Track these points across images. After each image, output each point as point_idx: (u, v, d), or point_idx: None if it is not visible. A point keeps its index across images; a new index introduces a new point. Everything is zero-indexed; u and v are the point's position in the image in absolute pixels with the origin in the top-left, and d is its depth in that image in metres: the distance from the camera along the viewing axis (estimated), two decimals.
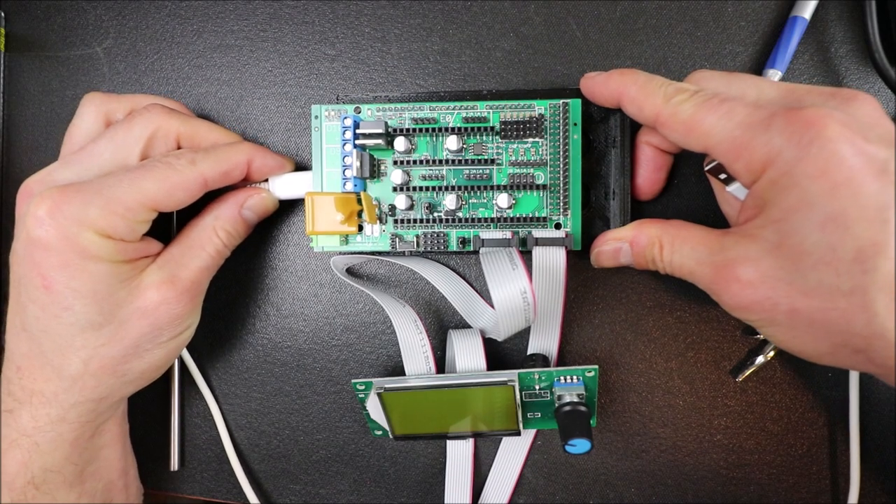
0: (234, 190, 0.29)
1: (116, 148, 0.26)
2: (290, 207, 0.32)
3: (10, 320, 0.26)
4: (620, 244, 0.26)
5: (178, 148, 0.28)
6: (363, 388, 0.29)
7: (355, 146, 0.28)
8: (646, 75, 0.25)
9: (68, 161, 0.27)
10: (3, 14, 0.34)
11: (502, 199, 0.28)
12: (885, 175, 0.19)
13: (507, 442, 0.32)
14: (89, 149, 0.27)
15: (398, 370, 0.32)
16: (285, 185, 0.30)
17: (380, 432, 0.31)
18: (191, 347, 0.33)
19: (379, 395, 0.28)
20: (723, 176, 0.26)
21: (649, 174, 0.28)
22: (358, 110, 0.29)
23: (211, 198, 0.29)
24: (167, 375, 0.34)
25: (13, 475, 0.26)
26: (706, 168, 0.26)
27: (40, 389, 0.26)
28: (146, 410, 0.34)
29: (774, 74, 0.29)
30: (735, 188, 0.26)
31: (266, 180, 0.30)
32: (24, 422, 0.26)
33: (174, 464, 0.34)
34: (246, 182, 0.30)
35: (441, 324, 0.32)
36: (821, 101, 0.22)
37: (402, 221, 0.29)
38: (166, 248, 0.28)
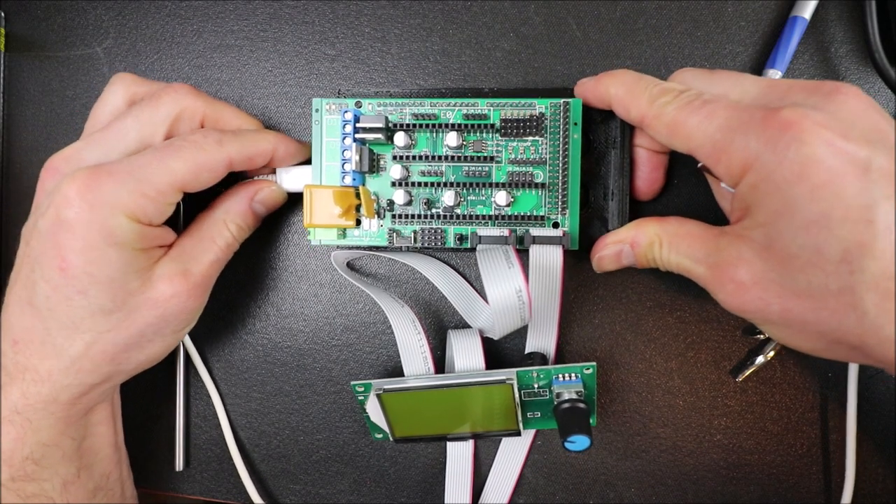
0: (242, 182, 0.29)
1: (142, 127, 0.26)
2: (290, 208, 0.32)
3: (15, 293, 0.26)
4: (621, 246, 0.26)
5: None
6: (362, 389, 0.29)
7: (355, 140, 0.28)
8: (634, 76, 0.25)
9: (93, 139, 0.26)
10: (3, 14, 0.34)
11: (501, 197, 0.28)
12: (867, 174, 0.19)
13: (507, 442, 0.32)
14: (115, 127, 0.26)
15: (399, 370, 0.32)
16: (293, 178, 0.30)
17: (380, 435, 0.31)
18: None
19: (378, 396, 0.28)
20: None
21: (647, 174, 0.28)
22: (359, 105, 0.29)
23: (218, 191, 0.29)
24: (171, 375, 0.34)
25: (10, 451, 0.25)
26: (698, 165, 0.26)
27: (34, 366, 0.25)
28: (148, 410, 0.34)
29: (774, 74, 0.29)
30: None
31: (273, 172, 0.30)
32: (15, 398, 0.25)
33: (179, 464, 0.34)
34: (253, 173, 0.30)
35: (440, 324, 0.32)
36: (801, 97, 0.21)
37: (400, 216, 0.29)
38: (178, 240, 0.28)
